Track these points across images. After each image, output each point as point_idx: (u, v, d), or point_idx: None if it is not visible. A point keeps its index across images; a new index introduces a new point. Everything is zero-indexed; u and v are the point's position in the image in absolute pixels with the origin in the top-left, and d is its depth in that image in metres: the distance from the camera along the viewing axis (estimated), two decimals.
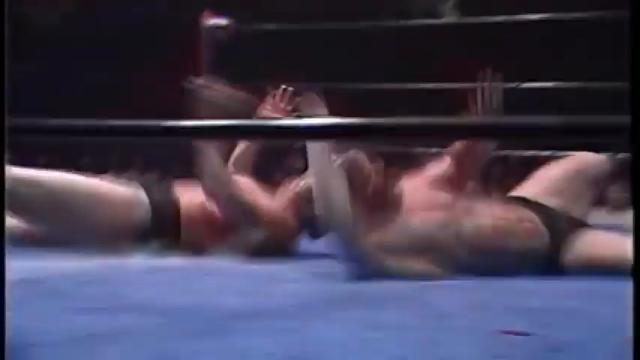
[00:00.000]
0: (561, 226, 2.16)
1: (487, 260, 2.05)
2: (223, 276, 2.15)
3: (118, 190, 2.57)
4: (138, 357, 1.16)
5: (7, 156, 1.03)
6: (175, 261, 2.40)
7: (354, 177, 2.09)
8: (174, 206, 2.61)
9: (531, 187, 2.32)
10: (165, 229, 2.56)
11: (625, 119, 0.80)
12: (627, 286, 0.89)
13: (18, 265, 2.14)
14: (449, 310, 1.58)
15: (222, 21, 4.34)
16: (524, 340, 1.29)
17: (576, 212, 2.25)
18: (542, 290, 1.82)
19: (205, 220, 2.60)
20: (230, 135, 1.41)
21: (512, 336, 1.32)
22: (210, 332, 1.35)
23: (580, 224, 2.20)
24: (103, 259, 2.32)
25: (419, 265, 2.05)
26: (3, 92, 1.00)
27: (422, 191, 2.16)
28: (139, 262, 2.36)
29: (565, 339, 1.28)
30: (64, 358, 1.19)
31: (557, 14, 4.12)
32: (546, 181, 2.32)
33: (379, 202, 2.12)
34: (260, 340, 1.26)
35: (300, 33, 5.12)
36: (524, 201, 2.25)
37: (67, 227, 2.49)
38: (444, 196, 2.15)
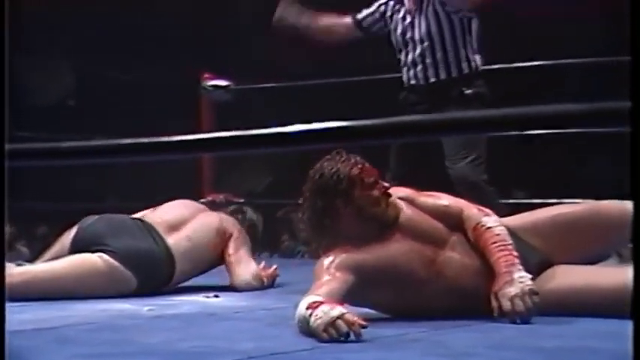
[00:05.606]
0: (533, 263, 2.02)
1: (461, 301, 1.96)
2: (233, 320, 2.13)
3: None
4: None
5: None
6: (182, 307, 2.38)
7: (355, 184, 1.99)
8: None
9: (513, 221, 2.16)
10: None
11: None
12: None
13: (29, 316, 2.14)
14: (467, 350, 1.56)
15: (222, 82, 4.37)
16: None
17: (558, 257, 2.07)
18: (557, 331, 1.79)
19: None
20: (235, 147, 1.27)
21: None
22: None
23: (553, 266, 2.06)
24: (109, 306, 2.34)
25: (382, 294, 1.97)
26: (3, 107, 1.01)
27: (418, 219, 2.05)
28: (146, 308, 2.33)
29: None
30: None
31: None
32: (531, 219, 2.17)
33: (371, 218, 2.01)
34: None
35: (302, 89, 5.13)
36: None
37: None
38: (438, 231, 2.05)
